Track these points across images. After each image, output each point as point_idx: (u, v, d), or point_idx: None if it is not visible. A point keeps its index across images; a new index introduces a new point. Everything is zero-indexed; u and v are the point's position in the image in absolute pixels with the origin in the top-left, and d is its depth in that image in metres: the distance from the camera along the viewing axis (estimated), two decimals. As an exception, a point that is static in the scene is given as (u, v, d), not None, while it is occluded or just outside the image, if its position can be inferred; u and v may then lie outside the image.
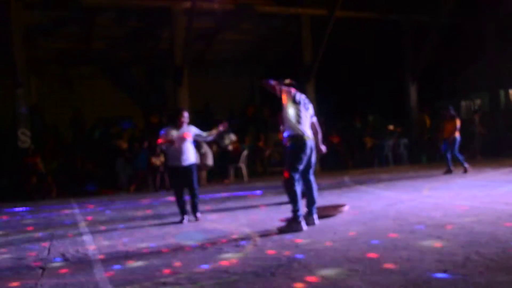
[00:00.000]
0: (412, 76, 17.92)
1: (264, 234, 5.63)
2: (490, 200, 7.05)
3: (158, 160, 12.70)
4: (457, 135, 11.88)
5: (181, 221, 6.92)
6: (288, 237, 5.39)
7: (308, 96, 17.93)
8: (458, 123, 11.92)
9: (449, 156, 11.85)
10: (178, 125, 7.14)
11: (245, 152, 14.45)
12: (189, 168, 7.07)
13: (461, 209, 6.43)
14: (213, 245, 5.22)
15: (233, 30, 17.14)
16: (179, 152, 7.01)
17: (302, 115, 6.03)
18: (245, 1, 14.90)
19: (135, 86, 18.43)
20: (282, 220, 6.29)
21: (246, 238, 5.51)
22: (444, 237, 4.80)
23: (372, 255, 4.32)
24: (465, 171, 11.66)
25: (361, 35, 17.09)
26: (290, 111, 6.01)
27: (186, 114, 7.15)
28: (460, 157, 11.83)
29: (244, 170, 14.21)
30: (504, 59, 17.20)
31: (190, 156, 7.10)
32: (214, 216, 7.54)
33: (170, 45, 14.98)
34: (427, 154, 17.01)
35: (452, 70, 17.66)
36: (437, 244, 4.56)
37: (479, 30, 17.81)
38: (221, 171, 14.15)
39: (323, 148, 6.51)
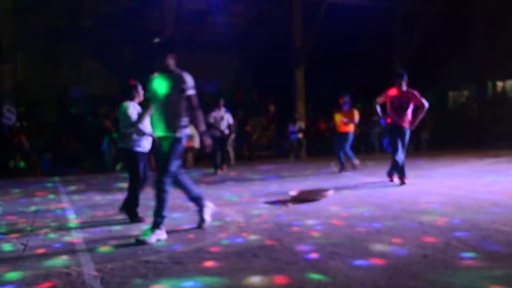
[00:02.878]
0: (401, 64, 17.95)
1: (248, 216, 5.64)
2: (473, 189, 7.13)
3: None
4: (352, 129, 10.47)
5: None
6: (271, 219, 5.41)
7: (297, 82, 17.62)
8: (356, 115, 10.38)
9: (341, 153, 10.49)
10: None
11: (232, 136, 14.42)
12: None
13: (444, 197, 6.49)
14: (197, 226, 5.22)
15: (224, 13, 17.00)
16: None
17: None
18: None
19: (123, 66, 18.24)
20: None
21: (230, 219, 5.52)
22: (426, 224, 4.86)
23: (354, 239, 4.35)
24: (354, 167, 10.54)
25: (351, 22, 17.04)
26: None
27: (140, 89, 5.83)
28: (350, 153, 10.51)
29: (232, 154, 14.20)
30: (493, 50, 17.28)
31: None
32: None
33: (160, 26, 14.82)
34: (413, 143, 17.11)
35: (441, 60, 17.71)
36: (419, 229, 4.61)
37: (469, 20, 17.85)
38: (209, 154, 14.09)
39: (207, 141, 4.92)
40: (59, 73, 17.24)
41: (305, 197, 6.69)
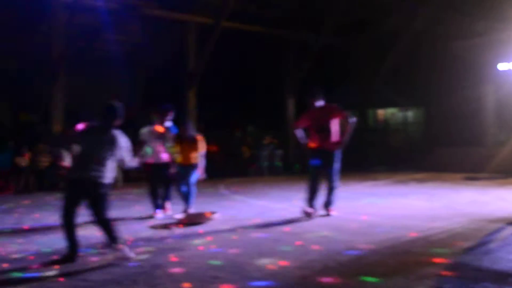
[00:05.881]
0: (290, 90, 18.67)
1: (131, 241, 5.46)
2: (352, 211, 7.51)
3: (23, 161, 11.83)
4: (197, 160, 7.55)
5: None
6: (155, 244, 5.30)
7: (189, 104, 17.56)
8: (202, 146, 7.66)
9: (185, 189, 7.53)
10: None
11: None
12: None
13: (325, 219, 6.78)
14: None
15: (118, 30, 16.61)
16: None
17: None
18: (132, 2, 14.57)
19: (7, 79, 17.03)
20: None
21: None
22: (306, 245, 5.03)
23: (235, 262, 4.39)
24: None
25: (247, 47, 17.47)
26: None
27: None
28: (194, 192, 7.68)
29: (120, 174, 13.82)
30: (375, 81, 18.57)
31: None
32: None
33: (48, 39, 14.09)
34: (300, 163, 17.68)
35: (329, 87, 18.67)
36: (300, 251, 4.76)
37: (355, 52, 19.07)
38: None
39: None
40: None
41: (191, 220, 6.66)
